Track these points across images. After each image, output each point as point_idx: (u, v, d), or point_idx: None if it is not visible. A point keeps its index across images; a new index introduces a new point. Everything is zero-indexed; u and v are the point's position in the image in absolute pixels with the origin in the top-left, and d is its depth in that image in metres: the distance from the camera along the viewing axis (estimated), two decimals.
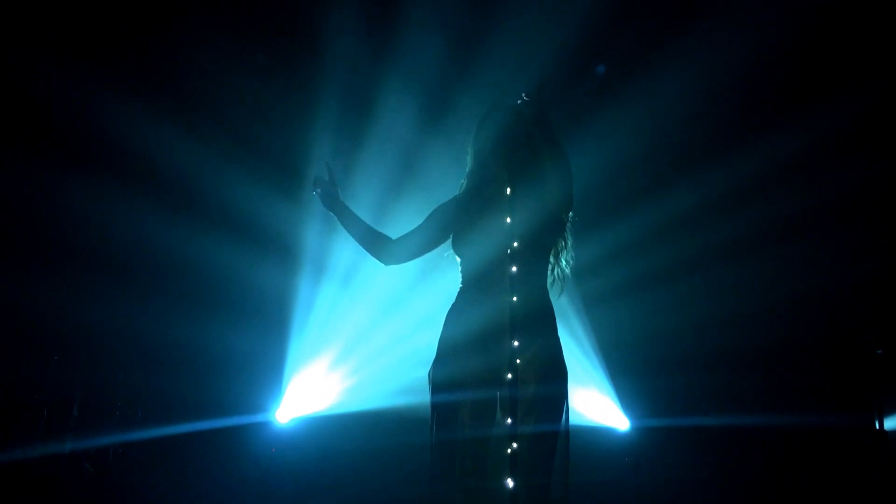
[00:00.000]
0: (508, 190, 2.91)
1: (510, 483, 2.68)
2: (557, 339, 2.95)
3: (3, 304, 4.99)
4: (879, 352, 5.37)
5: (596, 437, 5.62)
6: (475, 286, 2.96)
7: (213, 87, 5.34)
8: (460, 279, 3.04)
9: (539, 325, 2.89)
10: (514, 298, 2.82)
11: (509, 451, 2.70)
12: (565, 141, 2.99)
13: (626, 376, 5.72)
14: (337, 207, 3.18)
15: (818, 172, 5.50)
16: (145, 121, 5.25)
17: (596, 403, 5.67)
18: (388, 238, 3.15)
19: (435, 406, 2.89)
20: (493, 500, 2.73)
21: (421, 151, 5.38)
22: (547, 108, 2.92)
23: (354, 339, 5.49)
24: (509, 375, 2.75)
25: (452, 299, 3.02)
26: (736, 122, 5.59)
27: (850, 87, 5.20)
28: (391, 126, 5.48)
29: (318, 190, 3.18)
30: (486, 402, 2.82)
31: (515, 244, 2.87)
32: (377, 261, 3.18)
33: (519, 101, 2.89)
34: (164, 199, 5.42)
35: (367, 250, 3.17)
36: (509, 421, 2.73)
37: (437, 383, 2.90)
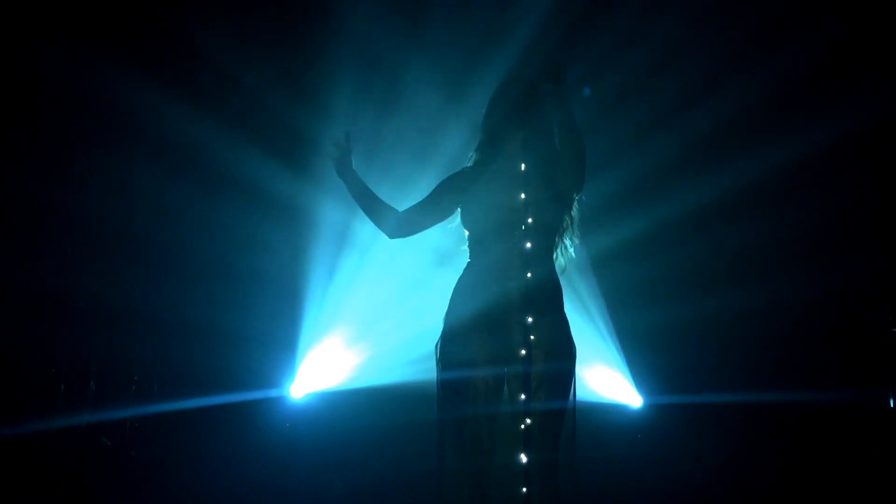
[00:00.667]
0: (523, 166, 2.90)
1: (523, 458, 2.70)
2: (565, 316, 2.96)
3: (18, 279, 5.03)
4: (894, 330, 5.34)
5: (608, 414, 5.63)
6: (484, 261, 2.95)
7: (226, 58, 5.33)
8: (468, 254, 3.03)
9: (548, 302, 2.90)
10: (529, 275, 2.83)
11: (523, 426, 2.72)
12: (581, 116, 2.97)
13: (639, 353, 5.71)
14: (347, 175, 3.17)
15: (841, 150, 5.46)
16: (156, 94, 5.26)
17: (608, 380, 5.68)
18: (394, 210, 3.13)
19: (443, 382, 2.90)
20: (504, 476, 2.74)
21: (442, 123, 5.35)
22: (565, 86, 2.90)
23: (370, 314, 5.50)
24: (523, 352, 2.76)
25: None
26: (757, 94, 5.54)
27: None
28: (412, 95, 5.45)
29: (334, 154, 3.16)
30: (494, 378, 2.83)
31: (530, 220, 2.86)
32: (382, 233, 3.16)
33: (544, 82, 2.87)
34: (179, 172, 5.43)
35: (373, 221, 3.15)
36: (523, 397, 2.74)
37: (446, 359, 2.91)
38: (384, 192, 3.22)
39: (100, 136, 5.29)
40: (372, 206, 3.12)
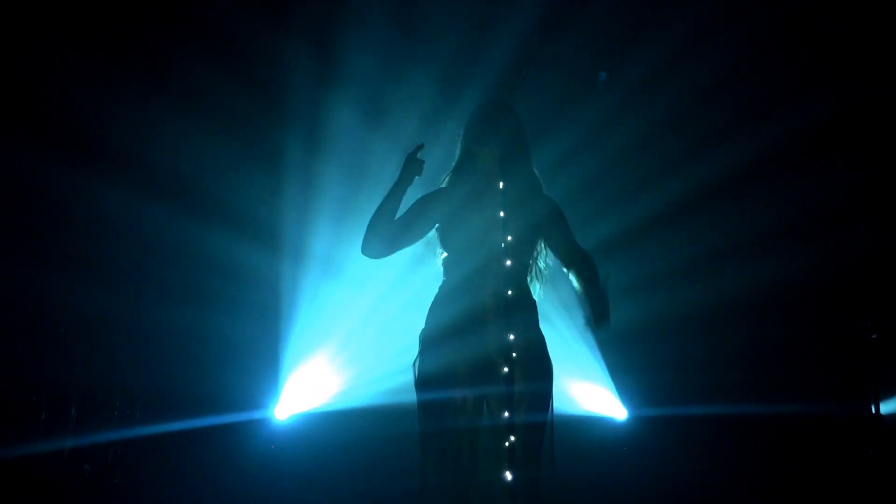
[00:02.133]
0: (501, 184, 2.91)
1: (508, 476, 2.70)
2: (542, 335, 2.97)
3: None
4: (875, 336, 5.38)
5: (594, 427, 5.63)
6: (459, 280, 2.95)
7: (203, 75, 5.33)
8: (442, 272, 3.03)
9: (523, 321, 2.91)
10: (504, 293, 2.84)
11: (507, 444, 2.72)
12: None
13: (623, 366, 5.72)
14: (406, 172, 3.05)
15: (814, 159, 5.52)
16: (137, 115, 5.26)
17: (593, 394, 5.69)
18: (388, 229, 3.07)
19: (421, 401, 2.89)
20: (486, 494, 2.74)
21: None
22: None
23: (352, 335, 5.49)
24: (506, 369, 2.77)
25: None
26: (742, 93, 5.60)
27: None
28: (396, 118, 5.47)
29: (410, 150, 3.08)
30: (472, 397, 2.83)
31: (509, 237, 2.88)
32: (364, 246, 3.08)
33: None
34: (157, 195, 5.42)
35: (373, 226, 3.00)
36: (506, 414, 2.74)
37: (424, 378, 2.91)
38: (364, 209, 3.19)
39: (79, 162, 5.26)
40: (384, 214, 3.04)
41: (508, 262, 2.86)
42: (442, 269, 3.04)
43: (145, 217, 5.42)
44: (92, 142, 5.33)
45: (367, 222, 3.05)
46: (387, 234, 3.03)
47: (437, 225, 3.04)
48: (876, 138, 5.47)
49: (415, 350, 3.01)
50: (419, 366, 2.93)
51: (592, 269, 3.03)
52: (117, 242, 5.42)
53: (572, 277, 3.04)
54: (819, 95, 5.43)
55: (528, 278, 3.01)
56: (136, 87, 5.33)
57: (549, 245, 3.06)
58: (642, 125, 5.60)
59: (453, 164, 3.11)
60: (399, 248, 3.07)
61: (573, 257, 3.06)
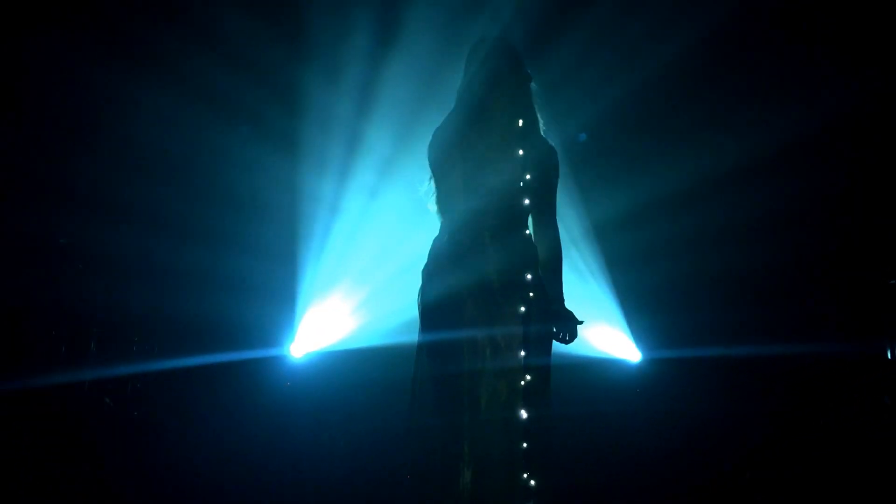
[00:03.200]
0: (520, 122, 2.87)
1: (524, 414, 2.72)
2: (541, 281, 2.91)
3: (14, 242, 5.02)
4: (893, 282, 5.35)
5: (608, 370, 5.66)
6: (468, 219, 2.89)
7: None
8: (438, 215, 2.99)
9: (524, 263, 2.87)
10: (527, 232, 2.83)
11: (522, 383, 2.73)
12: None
13: (638, 308, 5.73)
14: None
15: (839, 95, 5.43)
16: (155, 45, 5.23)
17: (608, 336, 5.70)
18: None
19: (426, 340, 2.89)
20: (492, 433, 2.76)
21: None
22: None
23: (368, 274, 5.50)
24: (522, 309, 2.77)
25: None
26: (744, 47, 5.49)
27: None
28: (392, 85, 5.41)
29: None
30: (479, 337, 2.82)
31: (528, 176, 2.84)
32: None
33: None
34: (175, 134, 5.41)
35: None
36: (522, 353, 2.75)
37: (428, 317, 2.90)
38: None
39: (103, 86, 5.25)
40: None
41: (527, 201, 2.83)
42: (438, 209, 2.99)
43: (164, 153, 5.42)
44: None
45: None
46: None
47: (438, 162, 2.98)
48: None
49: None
50: (424, 305, 2.92)
51: (558, 256, 2.94)
52: (135, 178, 5.42)
53: (539, 255, 2.94)
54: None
55: (531, 221, 2.96)
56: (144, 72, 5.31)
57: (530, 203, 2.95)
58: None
59: (453, 106, 3.04)
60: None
61: (545, 232, 2.94)
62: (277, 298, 5.55)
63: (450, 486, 2.75)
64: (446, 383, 2.83)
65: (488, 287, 2.83)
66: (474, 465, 2.74)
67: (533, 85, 2.99)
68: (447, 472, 2.77)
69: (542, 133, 3.01)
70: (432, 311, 2.89)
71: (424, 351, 2.91)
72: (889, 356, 5.19)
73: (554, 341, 2.88)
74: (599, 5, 5.25)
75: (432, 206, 3.01)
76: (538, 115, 3.00)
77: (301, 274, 5.55)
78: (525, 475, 2.68)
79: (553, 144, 3.01)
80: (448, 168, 2.93)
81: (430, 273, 2.94)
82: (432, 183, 3.00)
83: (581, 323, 2.87)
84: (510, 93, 2.92)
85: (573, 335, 2.87)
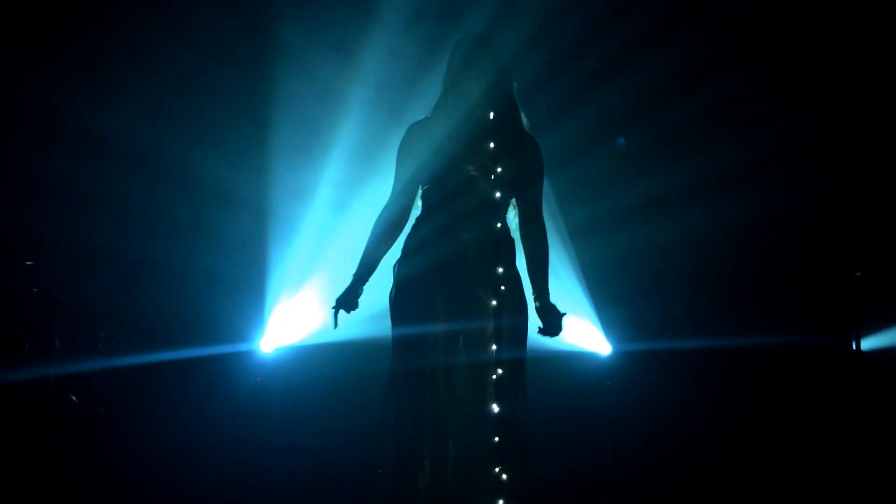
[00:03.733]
0: (491, 114, 2.86)
1: (495, 408, 2.71)
2: (517, 272, 2.93)
3: None
4: (858, 274, 5.42)
5: (578, 363, 5.69)
6: (436, 213, 2.90)
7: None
8: (421, 205, 2.98)
9: (501, 256, 2.87)
10: (499, 225, 2.81)
11: (494, 377, 2.72)
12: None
13: (608, 302, 5.76)
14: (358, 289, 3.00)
15: (803, 99, 5.49)
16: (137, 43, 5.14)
17: (578, 329, 5.72)
18: (400, 221, 3.00)
19: (397, 336, 2.87)
20: (462, 428, 2.75)
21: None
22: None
23: (338, 268, 5.47)
24: (494, 302, 2.76)
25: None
26: (725, 50, 5.54)
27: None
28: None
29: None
30: (449, 332, 2.82)
31: (499, 169, 2.83)
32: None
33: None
34: (142, 124, 5.34)
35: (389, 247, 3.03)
36: (494, 347, 2.74)
37: (400, 310, 2.88)
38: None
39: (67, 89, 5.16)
40: (380, 252, 3.00)
41: (499, 194, 2.82)
42: (420, 202, 2.98)
43: (130, 145, 5.34)
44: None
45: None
46: (392, 222, 2.98)
47: (419, 159, 2.98)
48: (872, 75, 5.43)
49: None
50: (394, 299, 2.90)
51: (544, 251, 2.96)
52: (104, 171, 5.34)
53: (524, 250, 2.97)
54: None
55: (508, 213, 2.96)
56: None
57: (516, 198, 2.97)
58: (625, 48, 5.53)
59: (435, 100, 3.03)
60: (413, 203, 3.00)
61: (531, 227, 2.95)
62: (246, 293, 5.52)
63: (423, 480, 2.74)
64: (418, 377, 2.82)
65: (460, 280, 2.82)
66: (448, 459, 2.73)
67: (514, 84, 2.99)
68: (420, 466, 2.76)
69: (525, 128, 3.01)
70: (404, 305, 2.88)
71: (397, 345, 2.89)
72: (854, 347, 5.26)
73: (539, 334, 2.88)
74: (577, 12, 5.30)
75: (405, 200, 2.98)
76: (521, 112, 3.00)
77: (270, 268, 5.52)
78: (497, 469, 2.68)
79: (537, 141, 3.01)
80: (422, 162, 2.92)
81: (401, 267, 2.92)
82: (406, 177, 2.98)
83: (564, 315, 2.88)
84: (490, 90, 2.91)
85: (558, 329, 2.87)
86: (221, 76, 5.44)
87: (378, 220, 2.99)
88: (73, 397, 5.03)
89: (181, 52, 5.28)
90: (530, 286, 2.93)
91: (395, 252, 2.99)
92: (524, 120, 3.03)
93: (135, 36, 5.26)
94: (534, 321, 2.92)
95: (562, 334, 2.90)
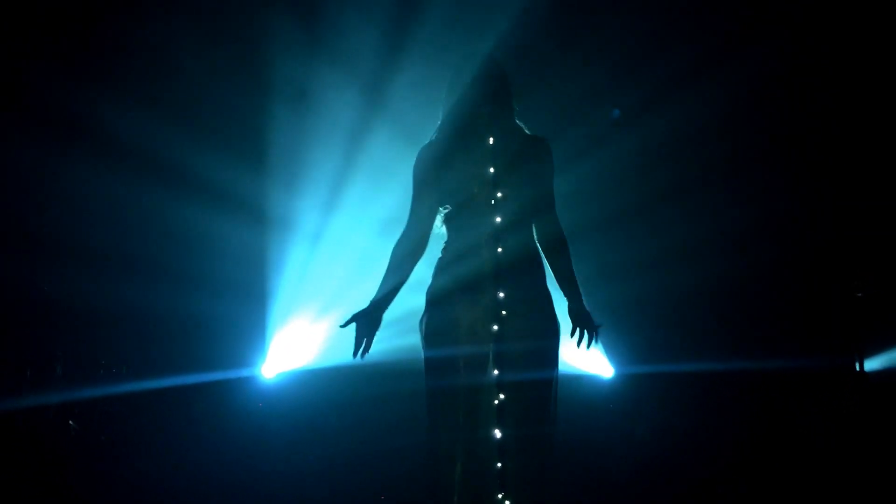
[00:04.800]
0: (491, 140, 2.87)
1: (497, 434, 2.70)
2: (548, 292, 2.93)
3: None
4: (860, 295, 5.40)
5: (581, 385, 5.66)
6: (460, 237, 2.92)
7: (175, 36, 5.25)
8: (445, 228, 3.00)
9: (527, 278, 2.87)
10: (500, 250, 2.81)
11: (496, 402, 2.72)
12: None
13: (610, 324, 5.73)
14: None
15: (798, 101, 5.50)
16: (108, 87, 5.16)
17: (580, 351, 5.69)
18: (418, 247, 2.99)
19: (429, 359, 2.87)
20: (482, 451, 2.74)
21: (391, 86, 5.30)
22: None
23: (339, 292, 5.47)
24: (495, 327, 2.75)
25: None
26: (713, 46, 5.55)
27: None
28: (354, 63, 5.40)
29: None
30: (479, 353, 2.81)
31: (499, 194, 2.84)
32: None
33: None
34: (142, 164, 5.34)
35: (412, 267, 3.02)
36: (496, 372, 2.73)
37: (431, 334, 2.88)
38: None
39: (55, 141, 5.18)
40: (400, 276, 2.96)
41: (504, 218, 2.83)
42: (444, 226, 2.99)
43: (124, 183, 5.35)
44: (64, 119, 5.21)
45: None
46: (415, 240, 2.97)
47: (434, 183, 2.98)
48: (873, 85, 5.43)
49: (404, 305, 2.99)
50: (427, 322, 2.90)
51: (566, 259, 2.98)
52: (102, 208, 5.36)
53: (550, 264, 2.98)
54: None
55: (532, 235, 2.97)
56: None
57: (534, 215, 2.97)
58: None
59: (438, 124, 3.05)
60: (431, 226, 2.99)
61: (550, 240, 2.97)
62: (247, 318, 5.50)
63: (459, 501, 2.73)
64: (450, 401, 2.81)
65: (486, 302, 2.82)
66: (463, 484, 2.72)
67: (517, 105, 3.02)
68: (440, 489, 2.75)
69: (526, 133, 3.02)
70: (432, 327, 2.88)
71: (428, 369, 2.88)
72: (857, 369, 5.24)
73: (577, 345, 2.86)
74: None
75: (432, 224, 2.99)
76: (523, 128, 3.02)
77: (272, 293, 5.51)
78: (500, 496, 2.67)
79: (547, 143, 3.03)
80: (438, 185, 2.94)
81: (431, 290, 2.94)
82: (423, 201, 2.98)
83: (600, 326, 2.86)
84: (495, 113, 2.93)
85: (591, 339, 2.85)
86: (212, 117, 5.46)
87: (397, 245, 2.98)
88: (74, 423, 5.01)
89: (175, 59, 5.29)
90: (565, 299, 2.92)
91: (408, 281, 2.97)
92: (524, 128, 3.04)
93: (119, 41, 5.27)
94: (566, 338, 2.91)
95: (561, 356, 2.89)
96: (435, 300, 2.90)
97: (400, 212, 3.14)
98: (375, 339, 2.88)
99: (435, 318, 2.88)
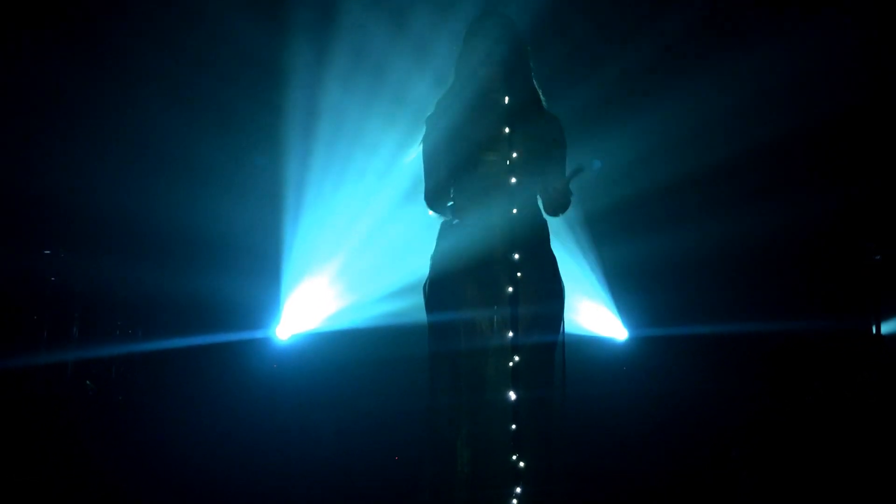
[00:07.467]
0: (506, 99, 2.83)
1: (512, 396, 2.69)
2: (553, 255, 2.92)
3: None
4: (878, 258, 5.36)
5: (594, 348, 5.66)
6: (470, 198, 2.89)
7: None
8: (453, 194, 2.96)
9: (534, 241, 2.85)
10: (514, 211, 2.78)
11: (511, 364, 2.71)
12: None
13: (624, 287, 5.72)
14: None
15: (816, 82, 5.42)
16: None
17: (594, 314, 5.70)
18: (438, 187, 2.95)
19: (433, 324, 2.86)
20: (495, 413, 2.74)
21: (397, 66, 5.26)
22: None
23: (355, 255, 5.47)
24: (510, 289, 2.73)
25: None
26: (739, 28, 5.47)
27: None
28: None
29: None
30: (485, 319, 2.80)
31: (514, 154, 2.80)
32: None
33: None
34: (157, 106, 5.33)
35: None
36: (510, 335, 2.72)
37: (434, 299, 2.87)
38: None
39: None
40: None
41: (514, 180, 2.79)
42: (452, 189, 2.95)
43: (141, 135, 5.34)
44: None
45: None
46: (439, 189, 2.94)
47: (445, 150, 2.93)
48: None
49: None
50: (429, 289, 2.88)
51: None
52: (113, 160, 5.35)
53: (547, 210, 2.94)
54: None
55: (538, 197, 2.93)
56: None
57: (542, 181, 2.90)
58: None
59: (449, 83, 3.00)
60: (448, 191, 2.95)
61: (557, 203, 2.88)
62: (262, 279, 5.51)
63: (449, 466, 2.74)
64: (444, 364, 2.81)
65: (493, 266, 2.79)
66: (472, 446, 2.72)
67: (532, 63, 2.96)
68: (447, 452, 2.75)
69: (543, 106, 2.97)
70: (437, 292, 2.87)
71: (431, 333, 2.88)
72: (874, 332, 5.22)
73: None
74: None
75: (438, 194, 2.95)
76: (539, 92, 2.97)
77: (286, 254, 5.51)
78: (514, 457, 2.67)
79: (559, 120, 2.99)
80: (449, 153, 2.89)
81: (436, 256, 2.92)
82: (436, 170, 2.94)
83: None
84: (509, 74, 2.88)
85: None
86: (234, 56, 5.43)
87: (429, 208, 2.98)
88: (90, 383, 5.06)
89: (195, 33, 5.27)
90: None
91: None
92: (542, 97, 2.99)
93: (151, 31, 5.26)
94: (568, 301, 2.90)
95: (575, 319, 2.87)
96: (440, 263, 2.88)
97: (415, 178, 3.11)
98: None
99: (440, 281, 2.86)
